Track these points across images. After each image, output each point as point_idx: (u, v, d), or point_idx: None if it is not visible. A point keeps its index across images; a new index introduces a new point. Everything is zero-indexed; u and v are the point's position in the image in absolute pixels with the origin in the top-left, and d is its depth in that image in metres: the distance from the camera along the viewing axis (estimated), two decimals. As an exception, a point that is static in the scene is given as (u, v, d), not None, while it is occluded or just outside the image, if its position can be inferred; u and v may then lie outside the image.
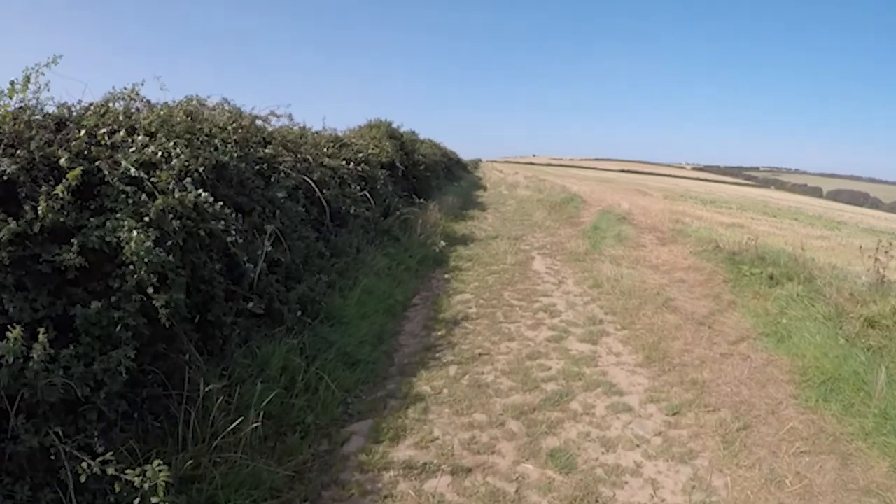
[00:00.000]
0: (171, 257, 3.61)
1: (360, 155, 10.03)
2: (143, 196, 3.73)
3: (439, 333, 6.48)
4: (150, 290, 3.43)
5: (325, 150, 9.42)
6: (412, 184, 16.20)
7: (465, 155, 77.27)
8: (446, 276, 9.09)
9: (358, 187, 9.23)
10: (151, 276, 3.43)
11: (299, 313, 5.43)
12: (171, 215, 3.84)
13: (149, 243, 3.43)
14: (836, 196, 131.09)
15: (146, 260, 3.39)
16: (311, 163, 8.04)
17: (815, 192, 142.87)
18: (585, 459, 4.07)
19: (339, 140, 10.14)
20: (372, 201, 9.77)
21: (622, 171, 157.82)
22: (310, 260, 6.68)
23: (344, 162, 9.26)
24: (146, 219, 3.62)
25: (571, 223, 16.63)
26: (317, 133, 10.04)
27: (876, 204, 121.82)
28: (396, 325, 6.73)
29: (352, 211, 8.46)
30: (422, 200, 14.13)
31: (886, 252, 6.99)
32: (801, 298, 7.12)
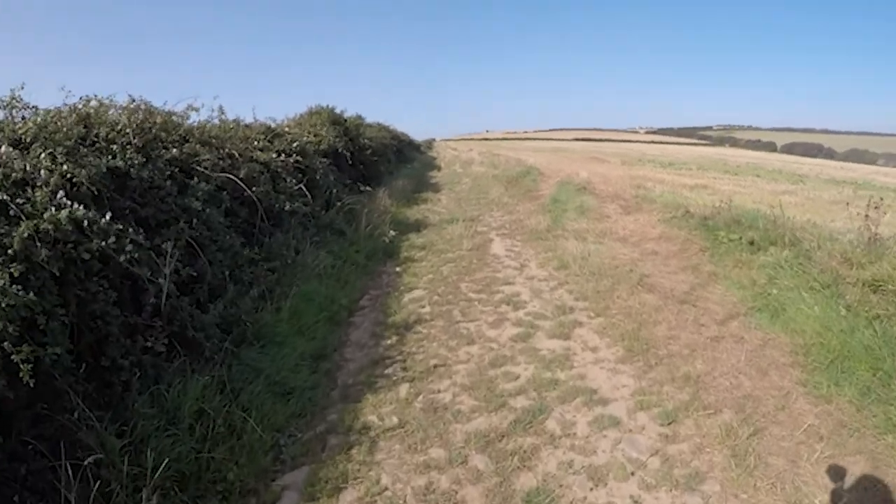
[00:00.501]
0: (40, 296, 2.84)
1: (296, 145, 9.04)
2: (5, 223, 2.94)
3: (389, 342, 5.61)
4: (8, 345, 2.62)
5: (255, 143, 8.47)
6: (359, 171, 15.25)
7: (418, 136, 76.21)
8: (397, 269, 8.23)
9: (294, 181, 8.29)
10: (9, 325, 2.64)
11: (221, 339, 4.53)
12: (41, 243, 2.98)
13: (3, 283, 2.65)
14: (790, 149, 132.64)
15: (2, 305, 2.60)
16: (237, 159, 7.09)
17: (770, 147, 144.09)
18: (571, 501, 3.26)
19: (271, 131, 9.13)
20: (310, 195, 8.85)
21: (576, 139, 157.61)
22: (238, 271, 5.77)
23: (276, 155, 8.31)
24: (9, 252, 2.85)
25: (530, 197, 15.87)
26: (247, 125, 9.06)
27: (830, 154, 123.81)
28: (340, 335, 5.85)
29: (287, 208, 7.53)
30: (369, 188, 13.24)
31: (877, 207, 6.30)
32: (789, 265, 6.43)
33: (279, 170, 8.21)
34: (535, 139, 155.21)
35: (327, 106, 15.10)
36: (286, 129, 9.61)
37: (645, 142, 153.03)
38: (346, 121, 15.83)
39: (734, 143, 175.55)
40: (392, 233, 9.39)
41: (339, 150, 14.11)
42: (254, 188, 6.92)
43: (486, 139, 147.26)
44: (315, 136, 12.78)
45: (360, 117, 20.21)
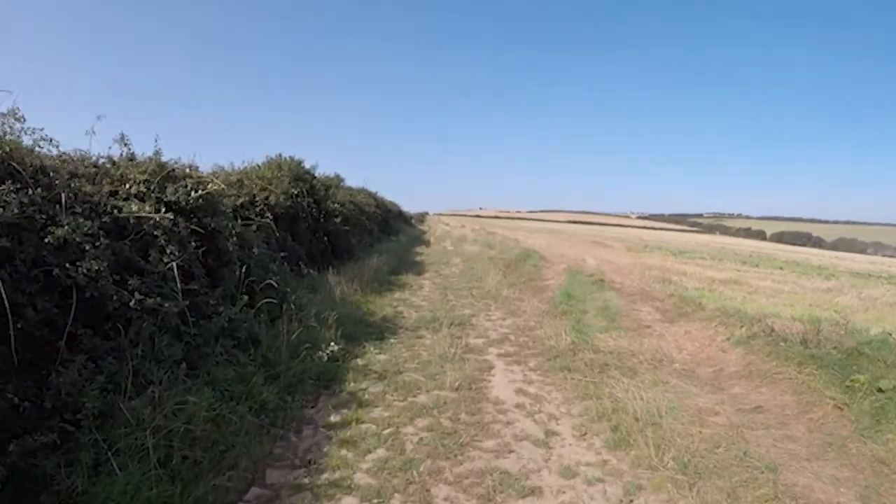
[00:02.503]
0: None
1: (195, 194, 5.72)
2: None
3: None
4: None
5: (129, 187, 5.30)
6: (322, 243, 11.99)
7: (412, 208, 74.08)
8: (332, 418, 4.79)
9: (177, 251, 5.03)
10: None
11: None
12: None
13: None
14: (779, 238, 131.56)
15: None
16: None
17: (759, 235, 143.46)
18: None
19: (162, 169, 5.81)
20: (209, 277, 5.58)
21: (569, 221, 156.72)
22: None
23: (155, 209, 5.09)
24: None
25: (535, 289, 12.63)
26: (131, 159, 5.86)
27: (819, 243, 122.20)
28: None
29: (132, 303, 4.22)
30: (331, 266, 10.04)
31: None
32: None
33: (156, 233, 5.00)
34: (528, 219, 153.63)
35: (290, 157, 12.02)
36: (193, 171, 6.23)
37: (638, 227, 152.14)
38: (313, 178, 12.70)
39: (724, 230, 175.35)
40: (335, 347, 5.94)
41: (298, 214, 10.94)
42: (78, 264, 3.71)
43: (479, 216, 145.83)
44: (261, 189, 9.66)
45: (337, 177, 17.14)
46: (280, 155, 11.82)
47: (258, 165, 11.03)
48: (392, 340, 7.22)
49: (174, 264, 4.96)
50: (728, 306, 9.60)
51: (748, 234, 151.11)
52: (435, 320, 8.27)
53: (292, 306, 6.51)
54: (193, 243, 5.47)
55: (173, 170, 6.01)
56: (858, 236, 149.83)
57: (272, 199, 9.73)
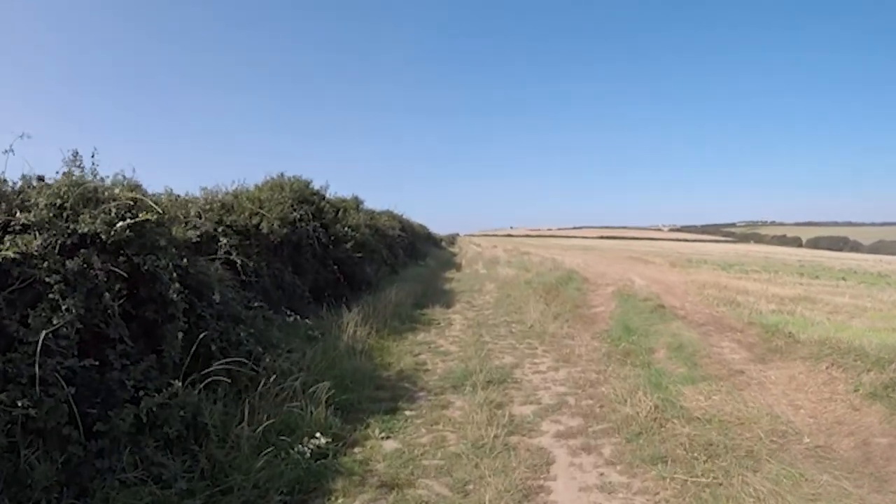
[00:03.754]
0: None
1: (122, 224, 3.98)
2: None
3: None
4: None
5: (27, 216, 3.68)
6: (332, 272, 10.24)
7: (442, 230, 72.54)
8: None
9: (76, 304, 3.39)
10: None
11: None
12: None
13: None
14: (815, 243, 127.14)
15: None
16: None
17: (795, 242, 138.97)
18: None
19: (75, 190, 4.08)
20: (129, 341, 3.88)
21: (601, 237, 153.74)
22: None
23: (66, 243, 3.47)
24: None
25: (584, 319, 10.75)
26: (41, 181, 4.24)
27: (856, 247, 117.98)
28: None
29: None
30: (338, 303, 8.36)
31: None
32: None
33: (50, 279, 3.43)
34: (559, 236, 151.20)
35: (295, 177, 10.42)
36: (122, 193, 4.44)
37: (671, 239, 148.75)
38: (322, 199, 11.05)
39: (759, 239, 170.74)
40: (321, 440, 4.09)
41: (302, 241, 9.28)
42: None
43: (511, 235, 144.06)
44: (252, 214, 8.02)
45: (355, 199, 15.47)
46: (282, 174, 10.18)
47: (255, 186, 9.39)
48: (408, 412, 5.32)
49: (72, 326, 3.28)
50: (832, 338, 7.62)
51: (783, 241, 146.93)
52: (467, 376, 6.36)
53: (269, 373, 4.72)
54: (109, 294, 3.73)
55: (95, 190, 4.32)
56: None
57: (265, 225, 8.03)
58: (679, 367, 6.95)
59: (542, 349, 8.12)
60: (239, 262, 6.38)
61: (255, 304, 5.90)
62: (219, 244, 6.33)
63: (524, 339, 8.79)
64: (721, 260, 32.45)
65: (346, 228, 11.47)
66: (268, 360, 4.87)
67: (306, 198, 10.10)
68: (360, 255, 11.50)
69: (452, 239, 77.49)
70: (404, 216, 27.22)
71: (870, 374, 6.04)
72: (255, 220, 8.04)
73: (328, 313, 8.45)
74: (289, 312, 7.17)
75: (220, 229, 6.69)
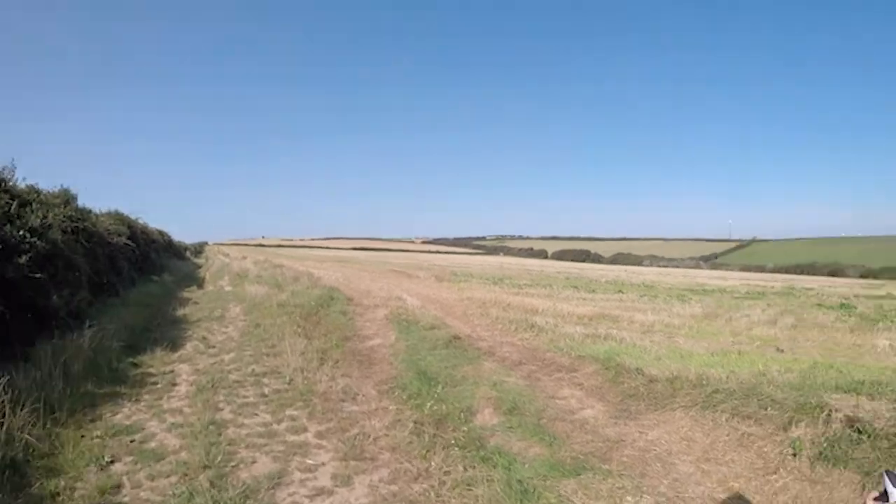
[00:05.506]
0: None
1: None
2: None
3: None
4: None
5: None
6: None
7: (191, 237, 66.28)
8: None
9: None
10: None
11: None
12: None
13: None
14: (561, 256, 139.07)
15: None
16: None
17: (542, 254, 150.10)
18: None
19: None
20: None
21: (355, 248, 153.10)
22: None
23: None
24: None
25: (361, 361, 8.31)
26: None
27: (598, 259, 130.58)
28: None
29: None
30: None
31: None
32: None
33: None
34: (313, 247, 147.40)
35: None
36: None
37: (425, 251, 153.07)
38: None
39: (507, 251, 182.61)
40: None
41: None
42: None
43: (262, 245, 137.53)
44: None
45: (64, 192, 11.54)
46: None
47: None
48: None
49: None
50: (696, 373, 6.11)
51: (531, 253, 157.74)
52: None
53: None
54: None
55: None
56: (632, 251, 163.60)
57: None
58: (529, 443, 4.76)
59: (315, 430, 5.28)
60: None
61: None
62: None
63: (284, 410, 5.85)
64: (485, 273, 32.18)
65: (22, 233, 7.75)
66: None
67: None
68: (39, 275, 7.77)
69: (200, 248, 71.67)
70: (140, 220, 22.69)
71: (800, 426, 4.38)
72: None
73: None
74: None
75: None
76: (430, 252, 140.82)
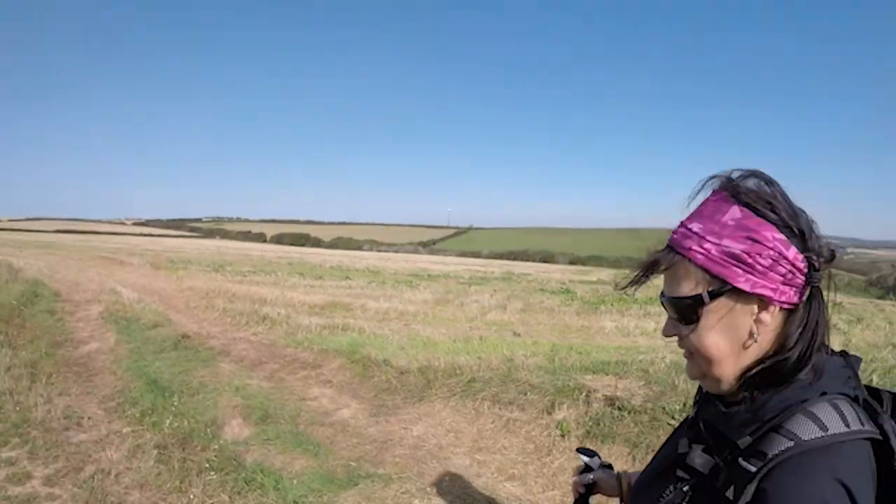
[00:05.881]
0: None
1: None
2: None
3: None
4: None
5: None
6: None
7: None
8: None
9: None
10: None
11: None
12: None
13: None
14: (280, 239, 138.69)
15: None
16: None
17: (260, 238, 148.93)
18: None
19: None
20: None
21: (60, 231, 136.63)
22: None
23: None
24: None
25: (78, 372, 7.22)
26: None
27: (317, 243, 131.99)
28: None
29: None
30: None
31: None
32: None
33: None
34: (12, 230, 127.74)
35: None
36: None
37: (137, 234, 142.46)
38: None
39: (224, 234, 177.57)
40: None
41: None
42: None
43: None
44: None
45: None
46: None
47: None
48: None
49: None
50: (457, 364, 6.15)
51: (249, 236, 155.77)
52: None
53: None
54: None
55: None
56: (352, 235, 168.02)
57: None
58: (292, 455, 4.36)
59: (42, 474, 4.07)
60: None
61: None
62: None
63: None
64: (204, 259, 30.21)
65: None
66: None
67: None
68: None
69: None
70: None
71: (563, 408, 4.54)
72: None
73: None
74: None
75: None
76: (142, 235, 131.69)
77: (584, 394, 4.73)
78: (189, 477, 3.99)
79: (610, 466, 1.48)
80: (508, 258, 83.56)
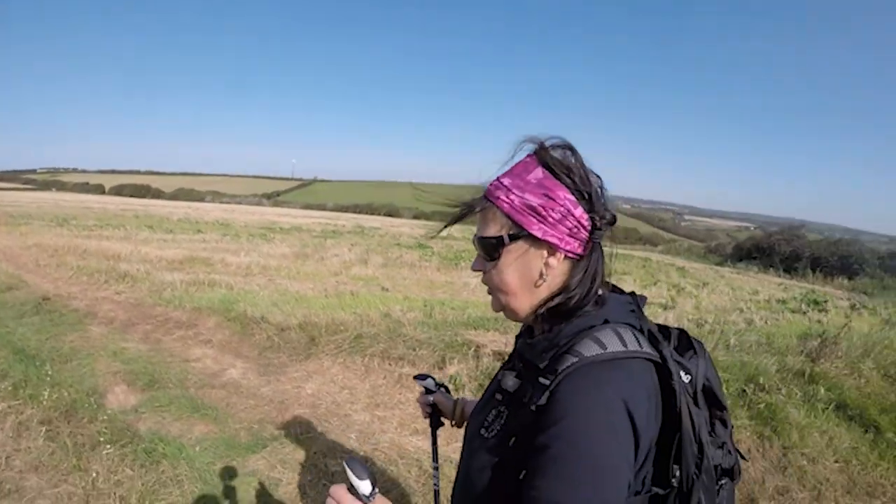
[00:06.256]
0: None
1: None
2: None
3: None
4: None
5: None
6: None
7: None
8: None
9: None
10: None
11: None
12: None
13: None
14: (119, 191, 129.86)
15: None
16: None
17: (98, 189, 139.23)
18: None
19: None
20: None
21: None
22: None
23: None
24: None
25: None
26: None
27: (158, 194, 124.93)
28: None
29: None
30: None
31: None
32: None
33: None
34: None
35: None
36: None
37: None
38: None
39: (61, 186, 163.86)
40: None
41: None
42: None
43: None
44: None
45: None
46: None
47: None
48: None
49: None
50: (339, 320, 6.34)
51: (86, 188, 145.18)
52: None
53: None
54: None
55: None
56: (194, 186, 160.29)
57: None
58: (189, 422, 4.39)
59: None
60: None
61: None
62: None
63: None
64: (44, 213, 27.63)
65: None
66: None
67: None
68: None
69: None
70: None
71: (454, 363, 4.88)
72: None
73: None
74: None
75: None
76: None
77: (472, 349, 5.06)
78: (84, 453, 3.83)
79: (447, 389, 1.71)
80: (354, 211, 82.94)
